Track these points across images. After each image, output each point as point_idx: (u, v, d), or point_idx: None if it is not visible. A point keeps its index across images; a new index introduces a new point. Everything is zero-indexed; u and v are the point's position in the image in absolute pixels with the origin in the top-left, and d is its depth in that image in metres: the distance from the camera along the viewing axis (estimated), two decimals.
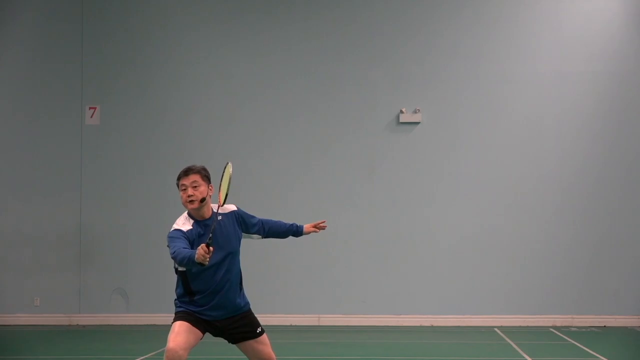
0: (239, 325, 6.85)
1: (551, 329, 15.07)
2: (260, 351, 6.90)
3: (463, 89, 15.90)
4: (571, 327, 15.32)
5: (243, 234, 6.97)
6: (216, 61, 16.15)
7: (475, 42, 15.93)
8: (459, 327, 15.37)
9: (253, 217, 7.05)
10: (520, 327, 15.33)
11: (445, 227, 15.77)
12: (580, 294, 15.55)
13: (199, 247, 6.14)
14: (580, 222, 15.65)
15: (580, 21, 15.82)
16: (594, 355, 11.86)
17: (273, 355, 6.94)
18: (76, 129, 16.14)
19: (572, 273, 15.58)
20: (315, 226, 7.28)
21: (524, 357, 11.75)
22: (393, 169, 15.91)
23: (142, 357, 11.68)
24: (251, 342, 6.87)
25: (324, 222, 7.32)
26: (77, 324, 15.91)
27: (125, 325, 15.75)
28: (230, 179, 6.69)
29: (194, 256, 6.15)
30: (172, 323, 6.66)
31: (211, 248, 6.17)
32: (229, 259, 6.76)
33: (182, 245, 6.43)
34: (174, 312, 6.80)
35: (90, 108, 16.12)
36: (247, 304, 6.97)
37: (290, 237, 7.38)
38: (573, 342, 13.38)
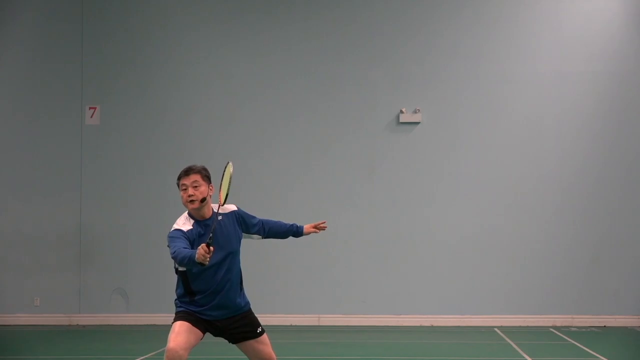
0: (239, 325, 6.84)
1: (551, 329, 15.07)
2: (261, 351, 6.89)
3: (463, 89, 15.90)
4: (571, 327, 15.32)
5: (243, 234, 6.97)
6: (216, 61, 16.15)
7: (475, 42, 15.93)
8: (459, 327, 15.36)
9: (253, 217, 7.05)
10: (520, 327, 15.32)
11: (445, 227, 15.77)
12: (580, 294, 15.55)
13: (200, 247, 6.13)
14: (580, 222, 15.65)
15: (580, 21, 15.82)
16: (594, 355, 11.86)
17: (273, 355, 6.94)
18: (76, 129, 16.14)
19: (572, 273, 15.58)
20: (315, 227, 7.28)
21: (524, 357, 11.75)
22: (393, 169, 15.91)
23: (142, 357, 11.68)
24: (252, 342, 6.87)
25: (324, 222, 7.32)
26: (77, 324, 15.91)
27: (125, 325, 15.75)
28: (230, 178, 6.69)
29: (195, 256, 6.15)
30: (173, 323, 6.66)
31: (211, 248, 6.16)
32: (229, 259, 6.76)
33: (182, 245, 6.43)
34: (174, 312, 6.80)
35: (90, 108, 16.12)
36: (248, 303, 6.97)
37: (290, 238, 7.38)
38: (573, 342, 13.38)
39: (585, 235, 15.63)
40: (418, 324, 15.60)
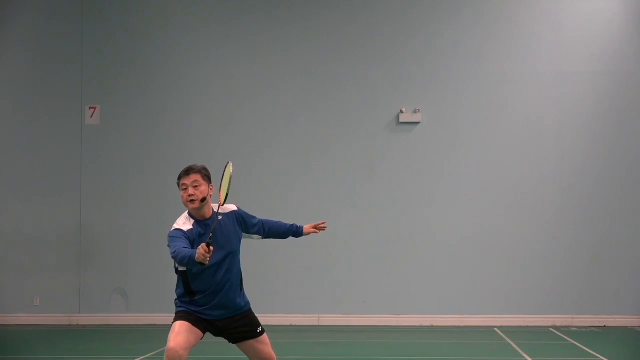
0: (239, 325, 6.84)
1: (551, 329, 15.07)
2: (261, 351, 6.89)
3: (463, 89, 15.90)
4: (571, 327, 15.32)
5: (243, 234, 6.97)
6: (216, 61, 16.15)
7: (475, 42, 15.93)
8: (458, 327, 15.36)
9: (253, 217, 7.05)
10: (520, 327, 15.32)
11: (445, 227, 15.77)
12: (580, 294, 15.55)
13: (200, 247, 6.12)
14: (580, 222, 15.65)
15: (580, 21, 15.82)
16: (594, 355, 11.85)
17: (273, 354, 6.94)
18: (76, 129, 16.14)
19: (572, 273, 15.58)
20: (315, 227, 7.28)
21: (524, 357, 11.75)
22: (393, 169, 15.91)
23: (142, 357, 11.67)
24: (252, 341, 6.87)
25: (324, 223, 7.32)
26: (77, 324, 15.91)
27: (125, 325, 15.75)
28: (230, 178, 6.69)
29: (195, 256, 6.14)
30: (173, 323, 6.65)
31: (211, 247, 6.15)
32: (229, 258, 6.76)
33: (182, 245, 6.42)
34: (174, 312, 6.79)
35: (90, 108, 16.12)
36: (248, 303, 6.96)
37: (290, 238, 7.38)
38: (573, 342, 13.38)
39: (585, 235, 15.63)
40: (418, 324, 15.60)
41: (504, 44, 15.93)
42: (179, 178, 6.80)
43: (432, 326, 15.54)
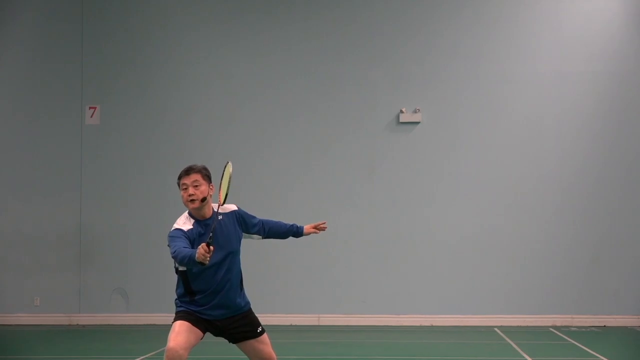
0: (239, 325, 6.85)
1: (551, 329, 15.07)
2: (261, 350, 6.90)
3: (463, 89, 15.90)
4: (571, 326, 15.32)
5: (243, 233, 6.97)
6: (216, 61, 16.15)
7: (475, 42, 15.93)
8: (458, 327, 15.36)
9: (254, 217, 7.05)
10: (520, 327, 15.32)
11: (445, 227, 15.77)
12: (580, 293, 15.55)
13: (200, 247, 6.12)
14: (580, 222, 15.65)
15: (580, 21, 15.82)
16: (593, 355, 11.85)
17: (273, 354, 6.94)
18: (76, 128, 16.14)
19: (572, 273, 15.58)
20: (315, 227, 7.28)
21: (523, 357, 11.75)
22: (393, 169, 15.91)
23: (142, 357, 11.67)
24: (252, 341, 6.87)
25: (324, 223, 7.31)
26: (77, 324, 15.91)
27: (125, 325, 15.76)
28: (230, 178, 6.69)
29: (195, 255, 6.14)
30: (173, 323, 6.66)
31: (211, 247, 6.15)
32: (229, 258, 6.76)
33: (182, 245, 6.43)
34: (174, 311, 6.80)
35: (90, 108, 16.12)
36: (248, 303, 6.97)
37: (290, 238, 7.39)
38: (573, 342, 13.38)
39: (585, 235, 15.63)
40: (418, 324, 15.60)
41: (504, 44, 15.93)
42: (179, 178, 6.80)
43: (432, 326, 15.53)
